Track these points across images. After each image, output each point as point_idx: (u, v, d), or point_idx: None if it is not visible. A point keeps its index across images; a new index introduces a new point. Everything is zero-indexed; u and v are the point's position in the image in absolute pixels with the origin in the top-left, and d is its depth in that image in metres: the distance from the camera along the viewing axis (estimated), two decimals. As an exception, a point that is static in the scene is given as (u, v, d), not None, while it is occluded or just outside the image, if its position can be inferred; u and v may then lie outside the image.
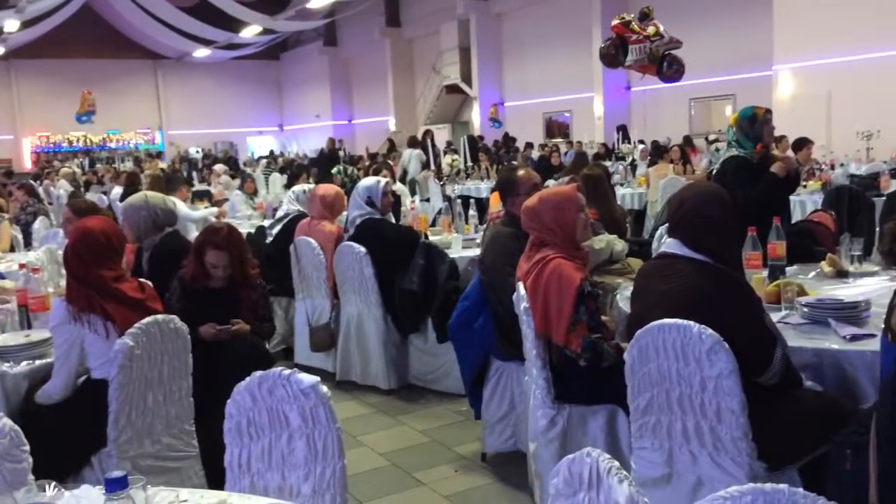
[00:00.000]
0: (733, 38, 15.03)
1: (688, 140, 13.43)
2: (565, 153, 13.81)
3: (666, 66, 10.89)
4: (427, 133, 15.79)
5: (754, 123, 4.20)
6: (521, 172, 3.85)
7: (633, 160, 12.25)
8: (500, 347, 3.56)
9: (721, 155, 5.84)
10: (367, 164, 14.14)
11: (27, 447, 2.00)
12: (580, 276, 2.89)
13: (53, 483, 1.84)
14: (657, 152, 11.84)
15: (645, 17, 10.81)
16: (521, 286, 3.03)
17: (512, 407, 3.62)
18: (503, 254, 3.45)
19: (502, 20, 20.81)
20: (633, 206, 9.26)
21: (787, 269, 3.52)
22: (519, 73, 20.54)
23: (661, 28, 10.78)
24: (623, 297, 3.55)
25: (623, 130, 15.51)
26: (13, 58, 24.30)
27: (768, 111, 4.32)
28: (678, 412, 2.45)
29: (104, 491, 1.15)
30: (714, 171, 4.76)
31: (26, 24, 20.67)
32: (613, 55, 10.94)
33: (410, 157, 13.60)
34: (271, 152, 23.44)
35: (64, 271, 5.20)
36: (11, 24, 19.83)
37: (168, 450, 2.98)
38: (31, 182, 10.38)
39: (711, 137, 13.98)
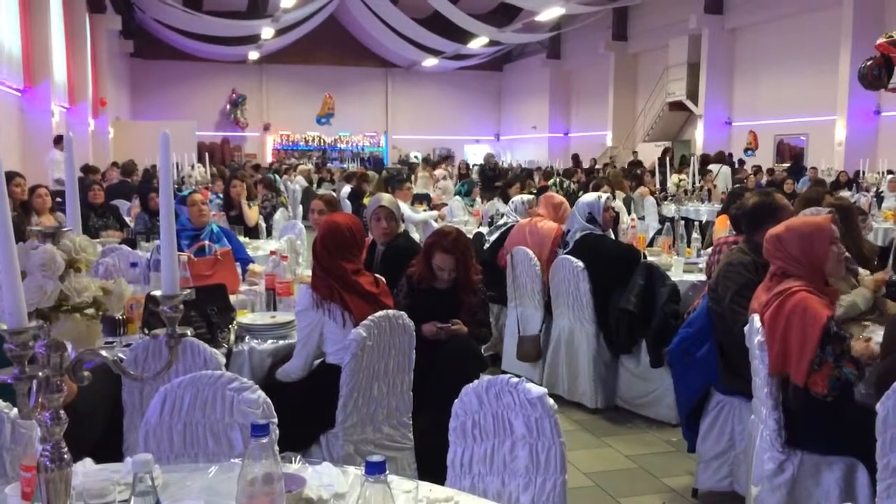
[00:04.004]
0: None
1: (949, 173, 11.95)
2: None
3: (939, 89, 9.78)
4: (666, 151, 15.28)
5: None
6: (779, 197, 3.61)
7: (881, 191, 11.13)
8: (724, 380, 3.37)
9: None
10: (581, 177, 14.05)
11: (276, 420, 2.16)
12: (827, 313, 2.66)
13: (298, 456, 2.00)
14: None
15: (917, 35, 9.76)
16: (755, 318, 2.84)
17: (731, 444, 3.41)
18: (737, 282, 3.26)
19: (736, 36, 19.77)
20: (877, 242, 8.39)
21: None
22: (750, 92, 19.40)
23: (939, 48, 9.67)
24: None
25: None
26: (265, 63, 26.90)
27: None
28: (939, 478, 2.18)
29: (364, 472, 1.21)
30: None
31: (279, 33, 22.82)
32: (876, 76, 9.98)
33: (719, 173, 12.97)
34: (463, 162, 23.91)
35: (300, 260, 5.68)
36: (267, 32, 22.03)
37: (387, 439, 3.12)
38: (270, 176, 11.39)
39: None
